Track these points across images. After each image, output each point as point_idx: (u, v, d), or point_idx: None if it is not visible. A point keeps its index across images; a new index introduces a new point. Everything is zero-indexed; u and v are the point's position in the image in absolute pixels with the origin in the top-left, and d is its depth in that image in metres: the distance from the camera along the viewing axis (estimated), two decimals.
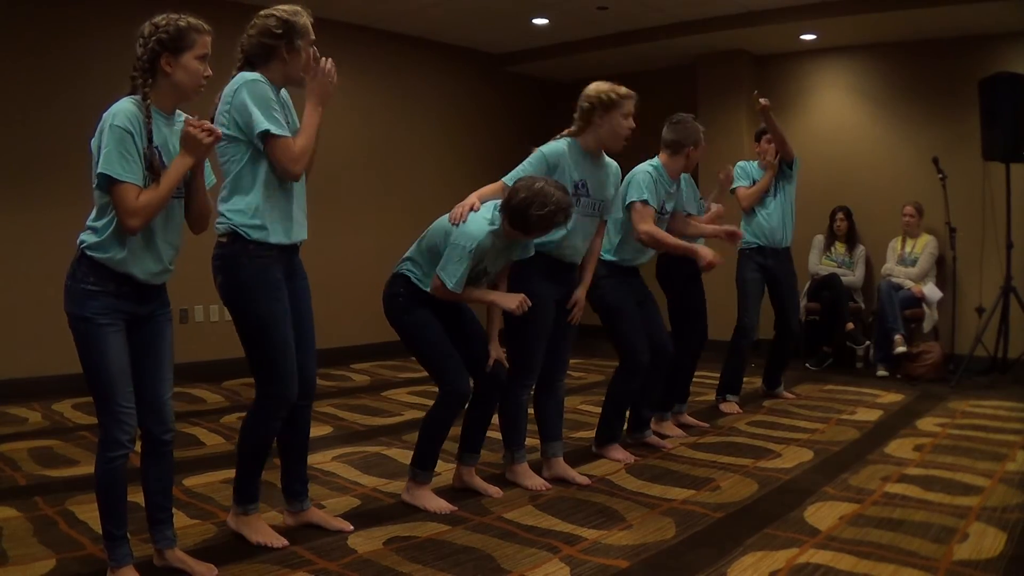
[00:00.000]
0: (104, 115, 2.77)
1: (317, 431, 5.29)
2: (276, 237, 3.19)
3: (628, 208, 4.63)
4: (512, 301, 3.74)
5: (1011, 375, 7.09)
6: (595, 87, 4.10)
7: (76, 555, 3.24)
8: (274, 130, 3.08)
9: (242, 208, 3.16)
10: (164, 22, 2.83)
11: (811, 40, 8.30)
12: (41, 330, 6.32)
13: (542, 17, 8.07)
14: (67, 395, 6.23)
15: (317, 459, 4.66)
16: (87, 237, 2.82)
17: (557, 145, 4.07)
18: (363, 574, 3.11)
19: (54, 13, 6.40)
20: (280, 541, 3.34)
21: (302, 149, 3.13)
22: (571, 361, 8.04)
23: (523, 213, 3.62)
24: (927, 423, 5.52)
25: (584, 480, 4.29)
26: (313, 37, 3.23)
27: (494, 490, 4.08)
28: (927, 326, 7.37)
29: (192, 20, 2.87)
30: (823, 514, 3.74)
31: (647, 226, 4.58)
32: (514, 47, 9.31)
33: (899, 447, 4.91)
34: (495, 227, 3.70)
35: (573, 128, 4.12)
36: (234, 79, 3.16)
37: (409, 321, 3.82)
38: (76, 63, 6.50)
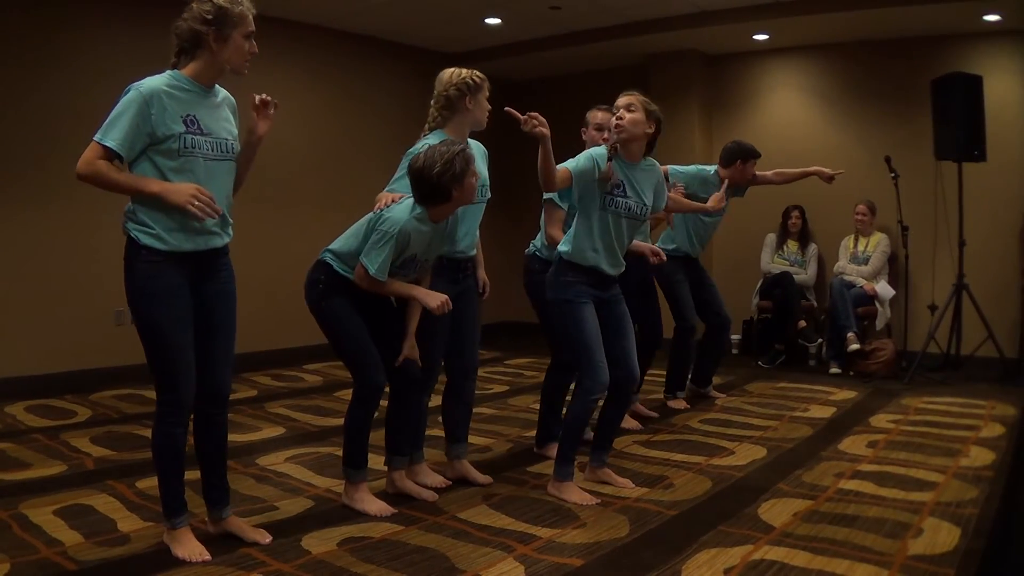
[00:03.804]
0: None
1: (270, 432, 5.24)
2: (170, 244, 3.06)
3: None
4: (434, 300, 3.59)
5: (964, 371, 7.16)
6: (452, 73, 4.07)
7: (30, 559, 3.17)
8: (96, 136, 2.97)
9: (132, 211, 3.08)
10: None
11: (763, 40, 8.34)
12: None
13: (495, 17, 8.03)
14: (20, 397, 6.06)
15: (270, 460, 4.60)
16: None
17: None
18: (317, 575, 3.06)
19: (19, 14, 6.29)
20: (203, 556, 3.17)
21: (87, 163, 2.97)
22: (524, 361, 8.16)
23: (429, 180, 3.55)
24: (880, 420, 5.55)
25: (487, 479, 4.24)
26: (252, 29, 3.14)
27: (428, 494, 3.97)
28: (880, 323, 7.45)
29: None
30: (777, 511, 3.74)
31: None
32: (467, 47, 9.23)
33: (853, 444, 4.93)
34: (418, 211, 3.62)
35: (437, 120, 4.02)
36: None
37: (327, 308, 3.71)
38: (45, 63, 6.39)
